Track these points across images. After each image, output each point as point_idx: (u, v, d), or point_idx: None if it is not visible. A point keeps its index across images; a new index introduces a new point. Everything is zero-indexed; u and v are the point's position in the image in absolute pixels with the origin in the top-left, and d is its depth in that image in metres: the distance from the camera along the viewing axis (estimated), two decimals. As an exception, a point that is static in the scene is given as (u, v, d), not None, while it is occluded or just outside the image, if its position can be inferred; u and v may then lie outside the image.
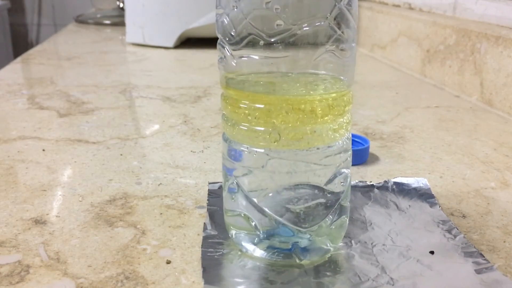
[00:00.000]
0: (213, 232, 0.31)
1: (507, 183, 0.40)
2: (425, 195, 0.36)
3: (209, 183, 0.38)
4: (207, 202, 0.35)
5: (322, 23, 0.25)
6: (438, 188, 0.39)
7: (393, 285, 0.27)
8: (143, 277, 0.27)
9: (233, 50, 0.26)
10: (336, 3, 0.25)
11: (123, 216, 0.34)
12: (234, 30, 0.26)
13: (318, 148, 0.27)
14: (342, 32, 0.25)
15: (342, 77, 0.27)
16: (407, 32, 0.81)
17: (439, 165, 0.43)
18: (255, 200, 0.27)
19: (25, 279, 0.27)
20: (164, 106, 0.61)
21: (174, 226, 0.33)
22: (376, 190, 0.37)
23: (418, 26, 0.78)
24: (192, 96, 0.65)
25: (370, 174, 0.41)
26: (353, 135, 0.45)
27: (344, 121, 0.27)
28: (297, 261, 0.28)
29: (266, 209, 0.27)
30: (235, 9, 0.25)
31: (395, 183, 0.38)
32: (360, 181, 0.38)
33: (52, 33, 1.53)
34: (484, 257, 0.29)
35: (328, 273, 0.27)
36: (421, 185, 0.37)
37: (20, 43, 2.22)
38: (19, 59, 0.89)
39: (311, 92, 0.26)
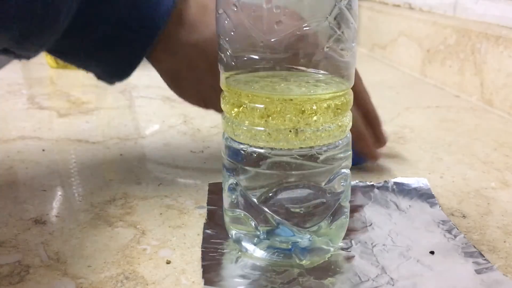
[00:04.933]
0: (213, 232, 0.31)
1: (507, 183, 0.40)
2: (425, 195, 0.36)
3: (209, 183, 0.38)
4: (207, 202, 0.35)
5: (322, 23, 0.25)
6: (438, 188, 0.39)
7: (393, 285, 0.26)
8: (143, 277, 0.27)
9: (233, 50, 0.26)
10: (336, 3, 0.25)
11: (123, 216, 0.34)
12: (234, 30, 0.26)
13: (318, 148, 0.27)
14: (342, 32, 0.25)
15: (342, 77, 0.27)
16: (407, 32, 0.81)
17: (439, 165, 0.43)
18: (255, 200, 0.27)
19: (25, 279, 0.27)
20: (164, 106, 0.61)
21: (174, 226, 0.33)
22: (376, 190, 0.37)
23: (418, 26, 0.78)
24: (192, 96, 0.65)
25: (370, 174, 0.41)
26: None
27: (345, 121, 0.27)
28: (297, 261, 0.28)
29: (266, 209, 0.27)
30: (235, 9, 0.25)
31: (395, 183, 0.38)
32: (360, 181, 0.38)
33: (52, 33, 1.52)
34: (484, 257, 0.29)
35: (328, 273, 0.27)
36: (421, 185, 0.37)
37: (20, 43, 2.21)
38: (19, 59, 0.89)
39: (311, 92, 0.26)
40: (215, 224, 0.32)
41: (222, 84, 0.28)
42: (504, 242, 0.31)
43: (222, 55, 0.27)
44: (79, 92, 0.66)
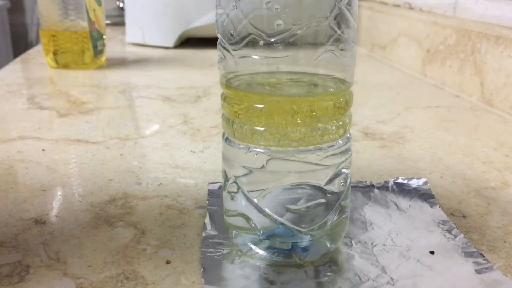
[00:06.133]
0: (213, 232, 0.31)
1: (507, 183, 0.40)
2: (425, 195, 0.36)
3: (209, 183, 0.38)
4: (207, 202, 0.35)
5: (322, 23, 0.25)
6: (438, 188, 0.39)
7: (393, 285, 0.26)
8: (143, 277, 0.27)
9: (233, 50, 0.26)
10: (336, 3, 0.25)
11: (123, 216, 0.34)
12: (234, 30, 0.26)
13: (318, 148, 0.27)
14: (342, 32, 0.25)
15: (342, 77, 0.27)
16: (407, 32, 0.81)
17: (439, 165, 0.43)
18: (255, 200, 0.27)
19: (25, 279, 0.27)
20: (164, 106, 0.61)
21: (174, 226, 0.33)
22: (376, 190, 0.37)
23: (418, 26, 0.78)
24: (192, 96, 0.65)
25: (370, 174, 0.41)
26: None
27: (344, 121, 0.27)
28: (297, 261, 0.28)
29: (266, 209, 0.27)
30: (235, 9, 0.25)
31: (395, 183, 0.38)
32: (360, 181, 0.38)
33: (52, 33, 1.53)
34: (484, 257, 0.29)
35: (328, 273, 0.27)
36: (421, 185, 0.37)
37: (20, 43, 2.22)
38: (19, 59, 0.89)
39: (311, 92, 0.26)
40: (215, 224, 0.32)
41: (222, 84, 0.28)
42: (504, 242, 0.31)
43: (223, 55, 0.27)
44: (79, 92, 0.66)
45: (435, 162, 0.44)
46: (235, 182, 0.28)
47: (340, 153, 0.28)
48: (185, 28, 0.97)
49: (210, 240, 0.30)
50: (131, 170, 0.42)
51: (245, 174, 0.27)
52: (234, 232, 0.29)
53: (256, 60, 0.25)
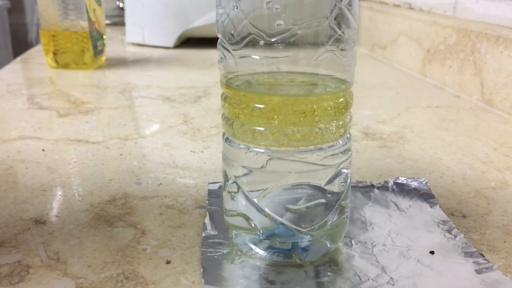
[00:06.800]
0: (213, 232, 0.31)
1: (507, 183, 0.40)
2: (425, 195, 0.36)
3: (209, 183, 0.38)
4: (207, 202, 0.35)
5: (323, 23, 0.25)
6: (438, 188, 0.39)
7: (393, 285, 0.26)
8: (143, 277, 0.27)
9: (233, 50, 0.26)
10: (337, 3, 0.25)
11: (123, 216, 0.34)
12: (234, 29, 0.26)
13: (318, 148, 0.27)
14: (343, 32, 0.25)
15: (342, 77, 0.27)
16: (407, 32, 0.81)
17: (439, 165, 0.43)
18: (255, 200, 0.27)
19: (25, 279, 0.27)
20: (164, 106, 0.61)
21: (174, 226, 0.33)
22: (376, 190, 0.37)
23: (418, 26, 0.78)
24: (192, 96, 0.65)
25: (370, 174, 0.41)
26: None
27: (345, 121, 0.27)
28: (297, 261, 0.28)
29: (266, 209, 0.27)
30: (235, 9, 0.25)
31: (395, 183, 0.38)
32: (360, 181, 0.38)
33: (52, 33, 1.53)
34: (484, 257, 0.29)
35: (328, 273, 0.27)
36: (421, 185, 0.37)
37: (20, 43, 2.22)
38: (19, 59, 0.89)
39: (311, 92, 0.26)
40: (215, 224, 0.32)
41: (222, 84, 0.28)
42: (504, 242, 0.31)
43: (223, 55, 0.27)
44: (79, 92, 0.66)
45: (435, 162, 0.44)
46: (235, 182, 0.28)
47: (340, 153, 0.28)
48: (185, 28, 0.97)
49: (210, 240, 0.30)
50: (131, 170, 0.42)
51: (245, 174, 0.27)
52: (234, 232, 0.29)
53: (256, 60, 0.25)
